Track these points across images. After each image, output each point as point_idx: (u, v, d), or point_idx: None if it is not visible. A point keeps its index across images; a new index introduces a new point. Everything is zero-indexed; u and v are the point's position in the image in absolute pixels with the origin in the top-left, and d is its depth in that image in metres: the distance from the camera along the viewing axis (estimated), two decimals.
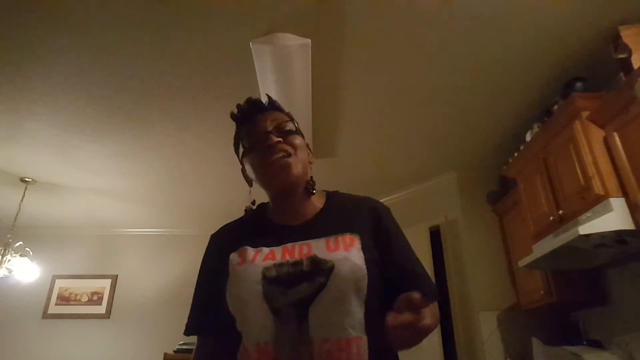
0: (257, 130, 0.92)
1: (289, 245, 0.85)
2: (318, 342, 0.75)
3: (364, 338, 0.77)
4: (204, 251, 0.99)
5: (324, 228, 0.88)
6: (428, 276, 0.92)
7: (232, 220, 1.03)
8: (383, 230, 0.91)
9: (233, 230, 0.99)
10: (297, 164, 0.90)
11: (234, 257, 0.87)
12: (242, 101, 0.98)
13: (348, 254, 0.81)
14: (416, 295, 0.64)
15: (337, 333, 0.75)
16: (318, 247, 0.83)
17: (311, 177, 0.96)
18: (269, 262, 0.83)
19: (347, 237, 0.85)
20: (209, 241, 1.00)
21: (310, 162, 0.98)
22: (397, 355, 0.86)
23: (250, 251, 0.86)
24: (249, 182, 0.99)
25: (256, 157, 0.91)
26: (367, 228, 0.89)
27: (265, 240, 0.88)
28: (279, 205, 0.95)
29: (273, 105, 0.98)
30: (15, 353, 4.03)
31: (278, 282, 0.80)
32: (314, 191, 0.95)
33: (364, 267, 0.81)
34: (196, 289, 0.95)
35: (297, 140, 0.93)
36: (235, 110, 0.98)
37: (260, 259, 0.84)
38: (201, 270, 0.97)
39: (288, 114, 0.99)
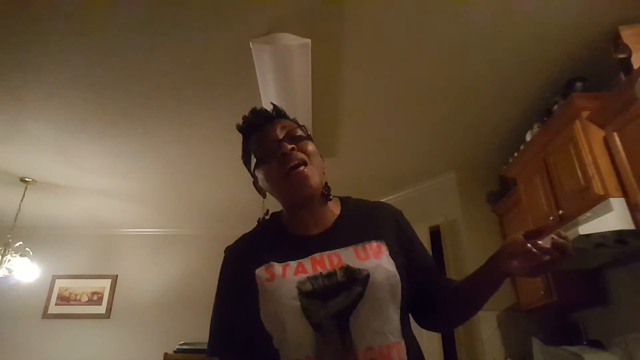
0: (268, 139, 0.90)
1: (317, 256, 0.84)
2: (362, 351, 0.76)
3: (402, 343, 0.79)
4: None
5: (348, 236, 0.87)
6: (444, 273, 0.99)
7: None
8: (405, 235, 0.94)
9: (251, 244, 0.95)
10: (315, 174, 0.87)
11: (261, 273, 0.84)
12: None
13: (379, 261, 0.83)
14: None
15: (379, 340, 0.77)
16: (348, 257, 0.83)
17: (326, 182, 0.94)
18: (302, 276, 0.81)
19: (374, 244, 0.86)
20: (225, 256, 0.96)
21: (323, 167, 0.95)
22: (423, 356, 0.90)
23: (278, 266, 0.84)
24: (262, 194, 0.96)
25: (271, 167, 0.88)
26: (390, 234, 0.91)
27: (289, 252, 0.86)
28: (296, 215, 0.92)
29: (279, 113, 0.96)
30: (15, 353, 4.02)
31: (315, 295, 0.79)
32: (330, 198, 0.93)
33: (397, 273, 0.83)
34: (218, 307, 0.91)
35: (310, 146, 0.91)
36: (241, 122, 0.96)
37: (290, 274, 0.82)
38: (221, 287, 0.93)
39: (294, 121, 0.97)
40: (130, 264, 4.52)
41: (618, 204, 1.85)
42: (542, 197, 2.38)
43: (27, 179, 3.45)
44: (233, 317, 0.87)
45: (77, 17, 1.92)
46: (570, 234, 1.94)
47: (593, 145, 2.01)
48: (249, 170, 0.97)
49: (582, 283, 2.44)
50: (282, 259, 0.85)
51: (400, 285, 0.82)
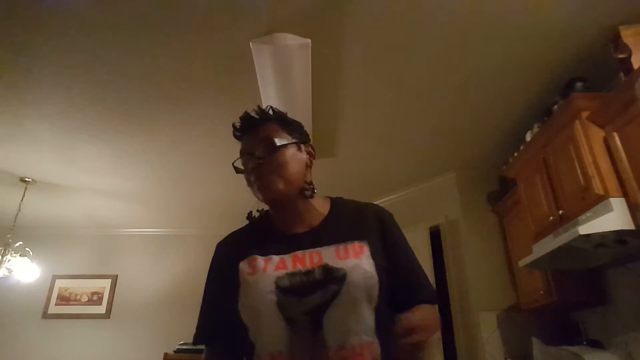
0: (245, 150, 0.95)
1: (299, 253, 0.87)
2: (334, 349, 0.77)
3: (376, 343, 0.79)
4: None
5: (332, 235, 0.90)
6: (429, 282, 0.95)
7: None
8: (389, 236, 0.94)
9: (240, 239, 1.00)
10: (277, 181, 0.90)
11: (243, 266, 0.88)
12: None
13: (359, 261, 0.84)
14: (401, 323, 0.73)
15: (352, 339, 0.78)
16: (328, 255, 0.85)
17: (309, 181, 0.96)
18: (281, 272, 0.84)
19: (357, 244, 0.87)
20: (216, 250, 1.01)
21: (308, 166, 0.98)
22: None
23: (261, 260, 0.87)
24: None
25: (245, 177, 0.95)
26: (374, 235, 0.92)
27: (274, 248, 0.89)
28: (279, 214, 0.97)
29: (264, 116, 0.97)
30: (15, 353, 4.03)
31: (291, 291, 0.81)
32: (312, 195, 0.95)
33: (375, 274, 0.83)
34: (204, 298, 0.96)
35: (283, 156, 0.92)
36: (234, 128, 1.00)
37: (271, 269, 0.85)
38: (209, 280, 0.98)
39: (284, 120, 0.99)
40: (130, 264, 4.52)
41: (618, 204, 1.85)
42: (542, 197, 2.38)
43: (27, 179, 3.45)
44: (217, 308, 0.91)
45: (77, 17, 1.92)
46: (570, 234, 1.95)
47: (593, 145, 2.00)
48: None
49: (582, 283, 2.44)
50: (266, 253, 0.89)
51: (377, 286, 0.82)
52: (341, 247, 0.86)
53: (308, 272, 0.83)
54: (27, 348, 4.05)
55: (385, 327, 0.81)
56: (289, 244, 0.89)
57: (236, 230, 1.03)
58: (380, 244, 0.91)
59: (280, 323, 0.79)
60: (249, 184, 0.93)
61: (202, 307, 0.96)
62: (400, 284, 0.89)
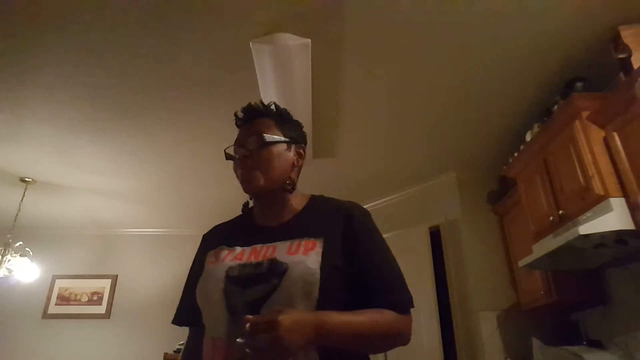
0: (236, 141, 0.99)
1: (258, 246, 0.90)
2: None
3: None
4: None
5: (295, 231, 0.91)
6: (401, 286, 0.89)
7: (228, 218, 1.11)
8: (351, 235, 0.90)
9: (222, 230, 1.06)
10: (258, 177, 0.93)
11: (210, 255, 0.95)
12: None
13: (305, 257, 0.84)
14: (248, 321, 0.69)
15: None
16: (281, 250, 0.86)
17: (290, 179, 0.98)
18: (235, 262, 0.88)
19: (311, 241, 0.87)
20: (201, 240, 1.08)
21: (295, 166, 1.00)
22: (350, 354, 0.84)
23: (225, 250, 0.93)
24: None
25: (233, 166, 0.99)
26: (336, 233, 0.90)
27: (243, 240, 0.94)
28: (258, 208, 1.01)
29: (262, 112, 1.01)
30: (15, 353, 4.02)
31: (238, 281, 0.85)
32: (291, 191, 0.98)
33: (318, 271, 0.82)
34: (185, 284, 1.03)
35: (269, 152, 0.95)
36: (236, 117, 1.04)
37: (229, 259, 0.90)
38: (191, 267, 1.04)
39: (280, 117, 1.01)
40: (130, 264, 4.52)
41: (618, 204, 1.85)
42: (542, 197, 2.38)
43: (27, 179, 3.45)
44: (191, 294, 0.94)
45: (77, 17, 1.92)
46: (570, 234, 1.95)
47: (593, 145, 2.00)
48: None
49: (582, 283, 2.44)
50: (233, 244, 0.94)
51: (318, 284, 0.80)
52: (296, 242, 0.87)
53: (257, 265, 0.85)
54: (27, 348, 4.05)
55: None
56: (256, 236, 0.93)
57: (222, 223, 1.09)
58: (342, 242, 0.89)
59: (223, 311, 0.83)
60: (235, 173, 0.98)
61: (183, 291, 1.02)
62: (361, 285, 0.86)
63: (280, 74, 2.17)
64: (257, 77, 2.21)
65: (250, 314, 0.73)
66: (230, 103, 2.48)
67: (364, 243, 0.91)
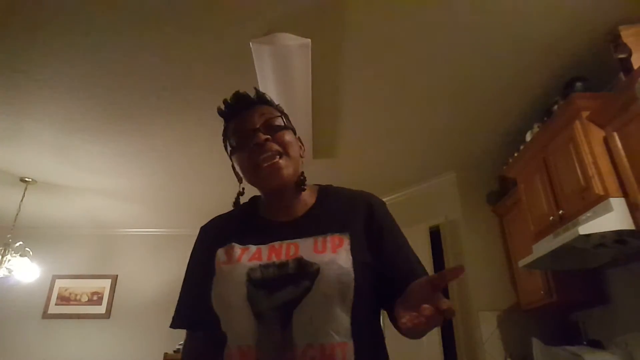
0: (244, 127, 0.88)
1: (277, 244, 0.82)
2: (302, 347, 0.72)
3: (350, 344, 0.74)
4: None
5: (314, 226, 0.84)
6: (424, 269, 0.86)
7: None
8: (375, 227, 0.86)
9: (223, 224, 0.96)
10: (289, 165, 0.86)
11: (220, 254, 0.85)
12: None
13: (335, 256, 0.78)
14: (431, 278, 0.62)
15: (321, 339, 0.73)
16: (305, 248, 0.80)
17: (302, 172, 0.92)
18: (255, 263, 0.80)
19: (337, 237, 0.81)
20: (199, 233, 0.97)
21: (301, 157, 0.93)
22: (387, 358, 0.83)
23: (237, 249, 0.84)
24: (239, 179, 0.94)
25: (244, 156, 0.87)
26: (359, 226, 0.85)
27: (254, 237, 0.85)
28: (269, 202, 0.92)
29: (261, 98, 0.93)
30: (15, 353, 4.02)
31: (263, 284, 0.77)
32: (304, 187, 0.91)
33: (351, 271, 0.77)
34: (184, 282, 0.94)
35: (287, 136, 0.88)
36: (222, 106, 0.93)
37: (246, 259, 0.81)
38: (189, 264, 0.95)
39: (278, 107, 0.95)
40: (130, 264, 4.52)
41: (618, 204, 1.85)
42: (542, 197, 2.38)
43: (27, 179, 3.45)
44: (195, 294, 0.87)
45: (77, 17, 1.92)
46: (570, 234, 1.95)
47: (593, 145, 2.01)
48: (228, 154, 0.95)
49: (582, 283, 2.44)
50: (245, 242, 0.85)
51: (353, 284, 0.76)
52: (320, 239, 0.81)
53: (282, 265, 0.78)
54: (27, 348, 4.05)
55: (363, 327, 0.77)
56: (269, 233, 0.85)
57: (221, 215, 0.98)
58: (366, 236, 0.84)
59: (250, 317, 0.75)
60: (250, 165, 0.86)
61: (181, 291, 0.93)
62: (391, 277, 0.82)
63: (280, 74, 2.17)
64: (257, 77, 2.21)
65: (280, 319, 0.70)
66: None
67: (390, 237, 0.87)
